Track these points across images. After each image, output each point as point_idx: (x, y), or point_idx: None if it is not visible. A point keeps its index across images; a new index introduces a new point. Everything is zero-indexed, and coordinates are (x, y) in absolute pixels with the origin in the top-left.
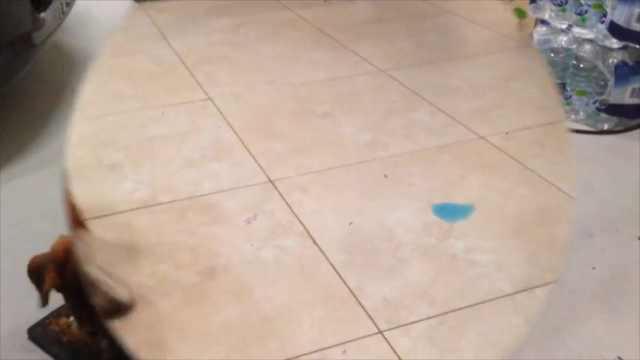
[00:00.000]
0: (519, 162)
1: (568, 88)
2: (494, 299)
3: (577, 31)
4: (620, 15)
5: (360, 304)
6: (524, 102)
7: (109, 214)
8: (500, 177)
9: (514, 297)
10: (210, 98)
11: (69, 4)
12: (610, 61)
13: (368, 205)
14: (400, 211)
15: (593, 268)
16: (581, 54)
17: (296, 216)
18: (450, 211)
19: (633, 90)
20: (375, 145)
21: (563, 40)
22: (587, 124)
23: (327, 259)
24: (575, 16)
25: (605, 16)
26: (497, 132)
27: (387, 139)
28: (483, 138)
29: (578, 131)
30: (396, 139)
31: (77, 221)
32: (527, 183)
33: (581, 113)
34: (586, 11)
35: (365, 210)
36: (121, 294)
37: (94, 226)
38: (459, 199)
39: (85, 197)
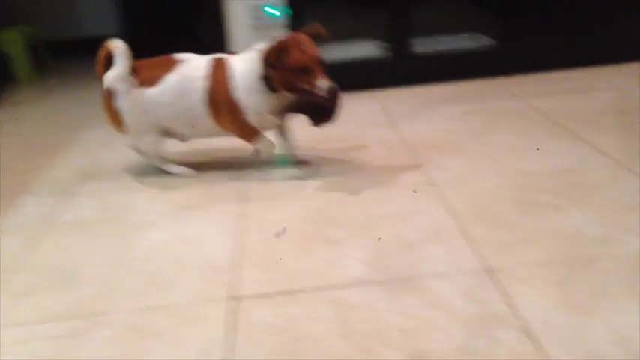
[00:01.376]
0: None
1: None
2: None
3: None
4: None
5: None
6: None
7: (328, 288)
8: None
9: None
10: (433, 183)
11: None
12: None
13: (597, 304)
14: (636, 315)
15: None
16: None
17: (515, 308)
18: None
19: None
20: (607, 240)
21: None
22: None
23: (546, 358)
24: None
25: None
26: None
27: (620, 235)
28: None
29: None
30: (631, 237)
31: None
32: None
33: None
34: None
35: (594, 310)
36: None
37: (307, 297)
38: None
39: (309, 269)
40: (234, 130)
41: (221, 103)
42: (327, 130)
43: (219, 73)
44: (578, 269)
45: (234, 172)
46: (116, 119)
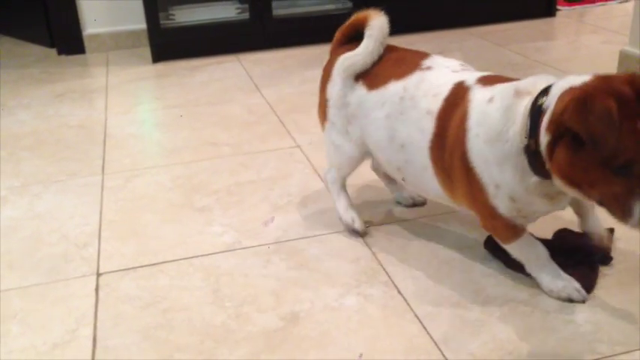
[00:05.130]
0: None
1: None
2: None
3: None
4: None
5: (445, 357)
6: None
7: (198, 256)
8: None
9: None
10: (298, 146)
11: None
12: None
13: (455, 255)
14: (490, 263)
15: None
16: None
17: (381, 264)
18: None
19: None
20: None
21: None
22: None
23: (412, 309)
24: None
25: None
26: None
27: None
28: None
29: None
30: None
31: None
32: (626, 239)
33: None
34: None
35: (453, 260)
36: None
37: (182, 266)
38: None
39: (175, 238)
40: (476, 212)
41: (454, 164)
42: (194, 93)
43: (455, 115)
44: (442, 223)
45: (94, 138)
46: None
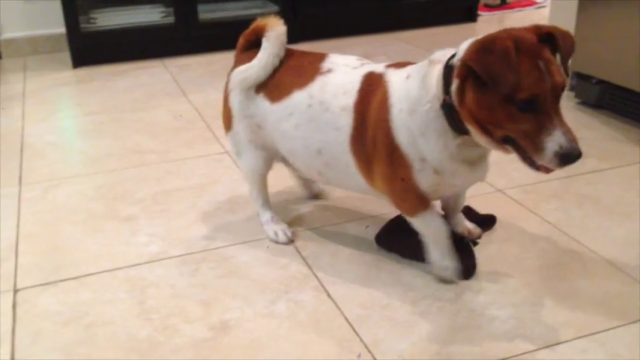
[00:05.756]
0: (538, 215)
1: None
2: (514, 356)
3: None
4: None
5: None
6: None
7: (122, 267)
8: (519, 230)
9: (535, 354)
10: (226, 152)
11: None
12: None
13: (383, 257)
14: (417, 264)
15: None
16: None
17: (311, 269)
18: None
19: None
20: None
21: None
22: None
23: (342, 313)
24: None
25: None
26: (515, 185)
27: None
28: (501, 191)
29: None
30: None
31: None
32: (546, 237)
33: None
34: None
35: (381, 262)
36: None
37: (105, 279)
38: (476, 253)
39: (98, 250)
40: (388, 192)
41: (377, 148)
42: (118, 99)
43: (373, 100)
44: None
45: (10, 147)
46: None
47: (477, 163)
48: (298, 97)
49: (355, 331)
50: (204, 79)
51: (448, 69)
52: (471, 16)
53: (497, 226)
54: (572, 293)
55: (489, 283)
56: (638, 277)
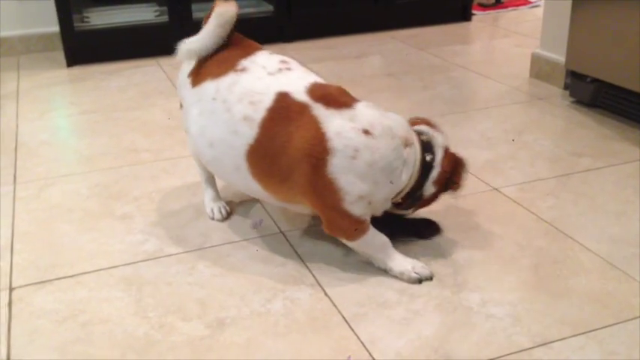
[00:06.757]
0: (534, 213)
1: None
2: (511, 354)
3: None
4: None
5: (373, 358)
6: (537, 154)
7: (119, 265)
8: (515, 228)
9: (531, 352)
10: None
11: None
12: None
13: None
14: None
15: None
16: None
17: (307, 267)
18: None
19: None
20: None
21: None
22: None
23: (339, 311)
24: None
25: None
26: (510, 183)
27: None
28: (497, 189)
29: None
30: None
31: None
32: (543, 235)
33: None
34: None
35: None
36: None
37: (102, 277)
38: (474, 251)
39: (94, 248)
40: (320, 214)
41: (298, 176)
42: (112, 98)
43: (295, 132)
44: None
45: (4, 146)
46: None
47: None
48: (207, 87)
49: (352, 329)
50: None
51: (428, 165)
52: (465, 16)
53: (493, 223)
54: (569, 291)
55: (485, 281)
56: (634, 275)
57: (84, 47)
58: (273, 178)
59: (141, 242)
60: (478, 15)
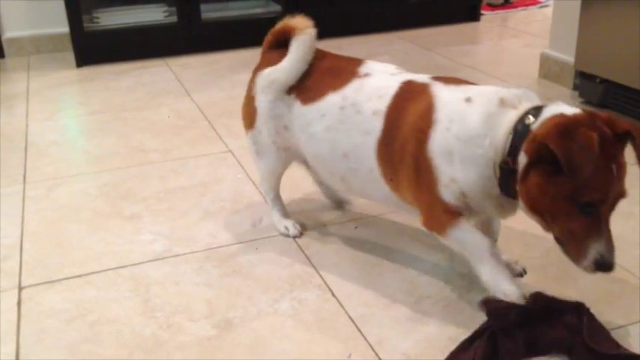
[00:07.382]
0: None
1: None
2: None
3: None
4: None
5: (380, 358)
6: None
7: (127, 265)
8: (522, 230)
9: None
10: (230, 150)
11: None
12: None
13: (387, 257)
14: (422, 263)
15: None
16: None
17: (315, 268)
18: None
19: None
20: None
21: None
22: None
23: (346, 312)
24: None
25: None
26: None
27: None
28: None
29: None
30: None
31: None
32: (549, 235)
33: None
34: None
35: (385, 261)
36: None
37: (110, 277)
38: None
39: (103, 248)
40: (416, 205)
41: (404, 156)
42: (121, 98)
43: (411, 107)
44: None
45: (14, 145)
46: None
47: (509, 208)
48: (332, 99)
49: (359, 330)
50: (207, 78)
51: (523, 129)
52: (473, 16)
53: (501, 225)
54: (576, 292)
55: None
56: None
57: (93, 48)
58: (391, 168)
59: (149, 242)
60: (487, 15)
